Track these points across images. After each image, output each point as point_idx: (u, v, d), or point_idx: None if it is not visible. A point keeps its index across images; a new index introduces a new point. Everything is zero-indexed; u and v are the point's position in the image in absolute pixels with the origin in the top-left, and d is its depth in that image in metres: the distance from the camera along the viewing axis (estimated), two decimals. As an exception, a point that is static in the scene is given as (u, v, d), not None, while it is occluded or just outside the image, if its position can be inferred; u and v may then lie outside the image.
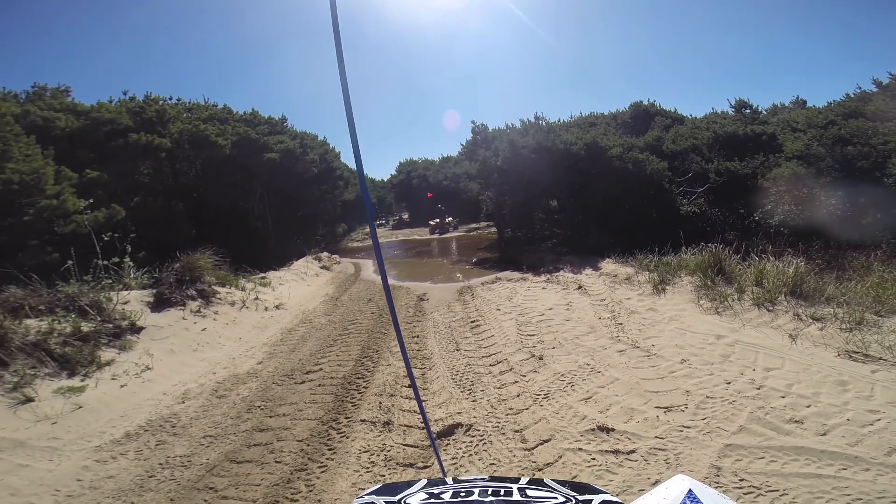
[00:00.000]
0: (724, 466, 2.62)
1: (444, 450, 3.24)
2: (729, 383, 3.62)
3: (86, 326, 5.24)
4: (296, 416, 3.90)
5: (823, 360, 3.81)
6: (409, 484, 1.02)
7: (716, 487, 2.19)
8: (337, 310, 8.12)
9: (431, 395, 4.18)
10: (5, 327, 4.57)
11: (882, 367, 3.58)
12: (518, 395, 3.92)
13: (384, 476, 2.96)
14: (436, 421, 3.63)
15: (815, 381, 3.46)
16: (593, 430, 3.20)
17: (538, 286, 8.38)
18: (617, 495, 2.50)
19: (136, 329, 5.71)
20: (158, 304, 6.53)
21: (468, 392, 4.13)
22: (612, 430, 3.16)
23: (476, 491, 0.94)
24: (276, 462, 3.20)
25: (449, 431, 3.47)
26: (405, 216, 36.76)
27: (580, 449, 3.00)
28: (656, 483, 2.47)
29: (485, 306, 7.25)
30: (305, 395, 4.34)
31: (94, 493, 2.96)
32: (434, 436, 3.43)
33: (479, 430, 3.42)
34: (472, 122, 16.20)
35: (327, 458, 3.21)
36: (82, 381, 4.50)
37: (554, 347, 4.98)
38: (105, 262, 6.71)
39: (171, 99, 18.08)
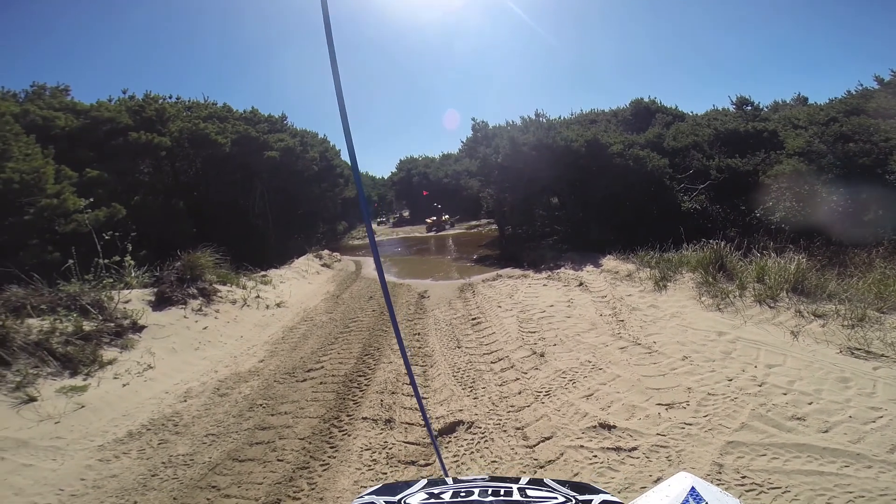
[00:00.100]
0: (725, 464, 2.62)
1: (446, 447, 3.25)
2: (730, 380, 3.62)
3: (87, 325, 5.25)
4: (297, 414, 3.91)
5: (825, 357, 3.81)
6: (409, 484, 1.02)
7: (718, 485, 2.19)
8: (338, 307, 8.13)
9: (433, 392, 4.18)
10: (7, 327, 4.57)
11: (884, 363, 3.57)
12: (519, 393, 3.92)
13: (386, 474, 2.97)
14: (437, 418, 3.64)
15: (816, 378, 3.46)
16: (595, 427, 3.20)
17: (539, 283, 8.37)
18: (619, 493, 2.51)
19: (137, 328, 5.71)
20: (160, 303, 6.53)
21: (469, 389, 4.13)
22: (614, 427, 3.16)
23: (476, 491, 0.94)
24: (279, 460, 3.20)
25: (450, 429, 3.48)
26: (406, 214, 36.80)
27: (582, 446, 3.01)
28: (658, 480, 2.47)
29: (486, 303, 7.25)
30: (307, 393, 4.34)
31: (97, 492, 2.97)
32: (434, 434, 3.43)
33: (480, 428, 3.42)
34: (473, 119, 16.19)
35: (329, 456, 3.22)
36: (85, 380, 4.51)
37: (555, 344, 4.98)
38: (106, 261, 6.71)
39: (170, 97, 18.05)
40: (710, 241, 7.12)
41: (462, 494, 0.93)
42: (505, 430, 3.35)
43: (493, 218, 20.19)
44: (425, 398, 4.09)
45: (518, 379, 4.21)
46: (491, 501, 0.90)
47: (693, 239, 7.92)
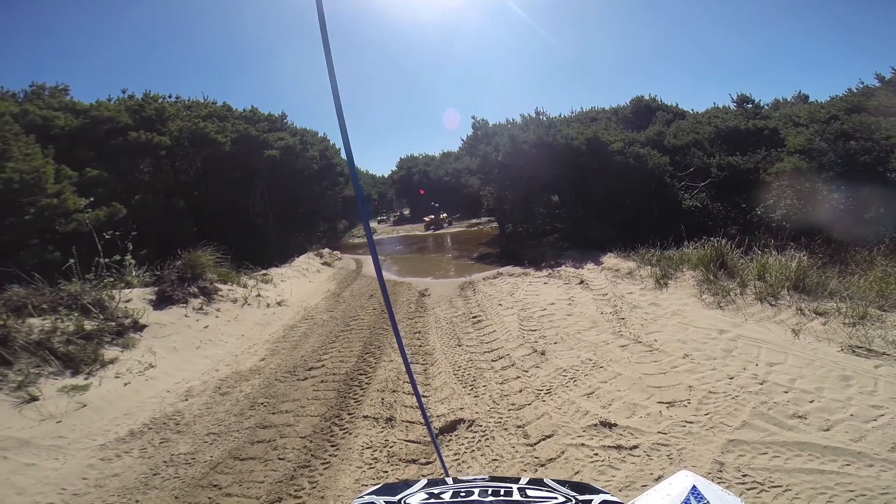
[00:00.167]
0: (727, 462, 2.62)
1: (447, 446, 3.25)
2: (732, 378, 3.62)
3: (89, 325, 5.25)
4: (298, 413, 3.91)
5: (826, 355, 3.81)
6: (409, 484, 1.02)
7: (719, 483, 2.20)
8: (339, 306, 8.13)
9: (433, 390, 4.19)
10: (9, 326, 4.58)
11: (885, 362, 3.57)
12: (520, 391, 3.92)
13: (387, 472, 2.97)
14: (438, 417, 3.64)
15: (818, 377, 3.46)
16: (596, 425, 3.20)
17: (540, 281, 8.37)
18: (620, 491, 2.51)
19: (138, 327, 5.72)
20: (161, 302, 6.54)
21: (470, 387, 4.13)
22: (615, 425, 3.16)
23: (476, 491, 0.94)
24: (280, 459, 3.21)
25: (451, 427, 3.48)
26: (406, 212, 36.84)
27: (583, 444, 3.01)
28: (659, 479, 2.47)
29: (486, 301, 7.25)
30: (308, 392, 4.35)
31: (99, 491, 2.97)
32: (435, 433, 3.44)
33: (481, 426, 3.42)
34: (473, 117, 16.14)
35: (330, 455, 3.23)
36: (86, 379, 4.51)
37: (556, 342, 4.98)
38: (107, 261, 6.71)
39: (170, 97, 18.06)
40: (711, 238, 7.11)
41: (462, 494, 0.93)
42: (506, 429, 3.35)
43: (494, 216, 20.19)
44: (426, 396, 4.09)
45: (519, 377, 4.22)
46: (491, 501, 0.90)
47: (694, 237, 7.92)
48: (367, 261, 14.83)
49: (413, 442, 3.30)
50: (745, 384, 3.49)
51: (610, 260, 9.01)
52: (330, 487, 2.85)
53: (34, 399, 4.00)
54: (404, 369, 4.64)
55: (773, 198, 11.22)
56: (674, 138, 14.75)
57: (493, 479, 1.03)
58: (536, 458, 2.94)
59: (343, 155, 23.14)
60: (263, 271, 10.30)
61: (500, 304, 6.96)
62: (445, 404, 3.85)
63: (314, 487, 2.86)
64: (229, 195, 17.04)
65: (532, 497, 0.92)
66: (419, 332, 6.05)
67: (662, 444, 2.87)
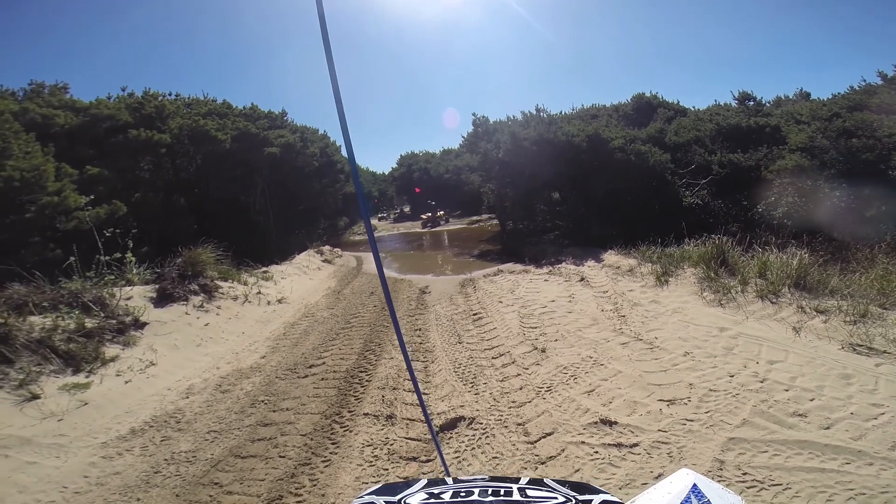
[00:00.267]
0: (727, 460, 2.62)
1: (447, 443, 3.26)
2: (732, 376, 3.62)
3: (89, 323, 5.26)
4: (299, 411, 3.92)
5: (827, 353, 3.80)
6: (409, 484, 1.02)
7: (719, 481, 2.20)
8: (339, 303, 8.14)
9: (434, 388, 4.19)
10: (10, 324, 4.58)
11: (886, 360, 3.57)
12: (521, 388, 3.92)
13: (387, 470, 2.98)
14: (438, 414, 3.65)
15: (818, 375, 3.46)
16: (596, 423, 3.20)
17: (540, 278, 8.37)
18: (620, 489, 2.51)
19: (139, 325, 5.73)
20: (161, 300, 6.54)
21: (471, 385, 4.13)
22: (615, 423, 3.16)
23: (476, 491, 0.94)
24: (280, 457, 3.22)
25: (451, 425, 3.48)
26: (406, 209, 36.84)
27: (583, 442, 3.01)
28: (659, 477, 2.48)
29: (487, 299, 7.25)
30: (308, 390, 4.35)
31: (100, 489, 2.98)
32: (436, 430, 3.44)
33: (481, 424, 3.43)
34: (473, 114, 16.11)
35: (331, 453, 3.23)
36: (87, 377, 4.52)
37: (556, 340, 4.98)
38: (107, 258, 6.72)
39: (170, 95, 18.04)
40: (712, 236, 7.10)
41: (462, 494, 0.93)
42: (506, 426, 3.35)
43: (495, 213, 20.16)
44: (426, 394, 4.10)
45: (519, 374, 4.22)
46: (491, 501, 0.90)
47: (695, 234, 7.91)
48: (368, 258, 14.83)
49: (413, 440, 3.30)
50: (745, 382, 3.49)
51: (611, 257, 9.00)
52: (330, 485, 2.85)
53: (35, 397, 4.01)
54: (405, 366, 4.65)
55: (774, 195, 11.19)
56: (675, 135, 14.71)
57: (492, 478, 1.03)
58: (537, 455, 2.94)
59: (344, 152, 23.15)
60: (264, 269, 10.31)
61: (501, 302, 6.96)
62: (446, 402, 3.86)
63: (315, 485, 2.87)
64: (230, 193, 17.03)
65: (532, 497, 0.92)
66: (420, 330, 6.05)
67: (663, 442, 2.88)
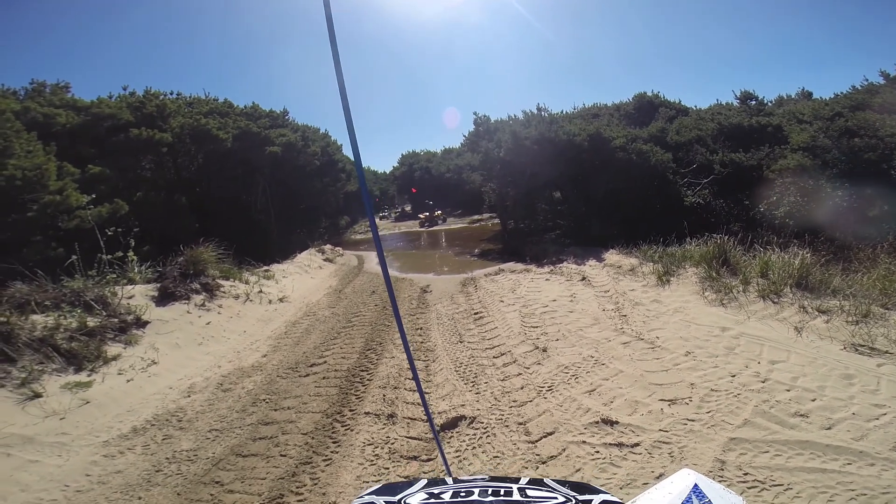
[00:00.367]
0: (728, 460, 2.62)
1: (448, 442, 3.26)
2: (734, 376, 3.61)
3: (91, 321, 5.27)
4: (300, 410, 3.92)
5: (829, 354, 3.79)
6: (409, 484, 1.02)
7: (720, 481, 2.19)
8: (340, 302, 8.14)
9: (435, 387, 4.19)
10: (12, 323, 4.60)
11: (888, 360, 3.56)
12: (522, 388, 3.92)
13: (388, 469, 2.98)
14: (439, 413, 3.65)
15: (820, 375, 3.45)
16: (597, 422, 3.20)
17: (542, 278, 8.36)
18: (621, 489, 2.51)
19: (141, 323, 5.74)
20: (163, 299, 6.55)
21: (472, 384, 4.13)
22: (617, 422, 3.16)
23: (476, 491, 0.94)
24: (282, 455, 3.22)
25: (452, 424, 3.48)
26: (407, 208, 36.87)
27: (584, 442, 3.01)
28: (661, 477, 2.47)
29: (488, 298, 7.25)
30: (310, 388, 4.36)
31: (102, 487, 2.99)
32: (437, 429, 3.44)
33: (482, 423, 3.43)
34: (475, 113, 16.08)
35: (332, 452, 3.24)
36: (89, 376, 4.54)
37: (558, 339, 4.98)
38: (109, 257, 6.74)
39: (171, 94, 18.07)
40: (714, 235, 7.08)
41: (462, 494, 0.93)
42: (507, 426, 3.35)
43: (496, 212, 20.13)
44: (427, 393, 4.10)
45: (520, 374, 4.22)
46: (491, 501, 0.90)
47: (696, 233, 7.90)
48: (369, 257, 14.84)
49: (414, 439, 3.30)
50: (747, 382, 3.49)
51: (612, 257, 8.99)
52: (331, 484, 2.86)
53: (37, 396, 4.02)
54: (405, 365, 4.65)
55: (776, 195, 11.16)
56: (676, 135, 14.68)
57: (493, 478, 1.03)
58: (537, 455, 2.94)
59: (345, 151, 23.17)
60: (265, 267, 10.32)
61: (502, 301, 6.96)
62: (447, 401, 3.86)
63: (316, 484, 2.88)
64: (231, 192, 17.04)
65: (532, 497, 0.92)
66: (421, 329, 6.06)
67: (664, 442, 2.87)
